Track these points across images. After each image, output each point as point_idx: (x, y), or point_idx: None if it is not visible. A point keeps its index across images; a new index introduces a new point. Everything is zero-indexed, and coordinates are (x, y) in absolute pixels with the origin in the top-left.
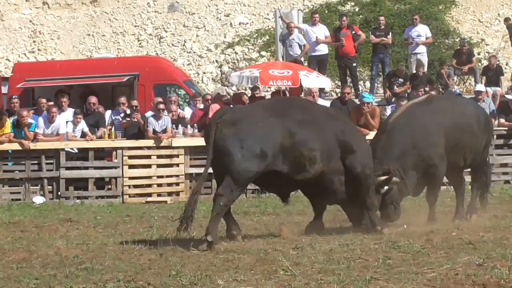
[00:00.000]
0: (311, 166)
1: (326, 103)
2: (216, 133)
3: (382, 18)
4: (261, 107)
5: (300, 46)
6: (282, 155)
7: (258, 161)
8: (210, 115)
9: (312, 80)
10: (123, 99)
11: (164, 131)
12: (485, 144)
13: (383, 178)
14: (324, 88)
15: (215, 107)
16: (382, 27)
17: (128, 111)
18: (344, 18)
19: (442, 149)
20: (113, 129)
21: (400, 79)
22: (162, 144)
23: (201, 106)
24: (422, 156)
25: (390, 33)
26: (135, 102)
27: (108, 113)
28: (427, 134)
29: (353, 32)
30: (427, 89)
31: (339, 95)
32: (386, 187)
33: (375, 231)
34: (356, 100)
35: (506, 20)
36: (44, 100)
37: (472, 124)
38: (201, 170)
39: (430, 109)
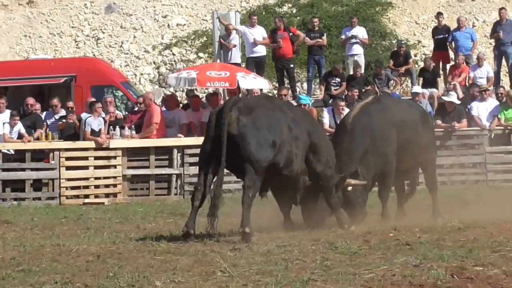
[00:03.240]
0: (296, 163)
1: None
2: (231, 121)
3: (316, 19)
4: (264, 99)
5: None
6: (281, 148)
7: (271, 150)
8: (155, 119)
9: (250, 81)
10: (56, 101)
11: (100, 131)
12: (427, 141)
13: (354, 181)
14: (262, 90)
15: (157, 110)
16: (317, 28)
17: (62, 113)
18: (280, 19)
19: (395, 145)
20: (47, 130)
21: (337, 78)
22: (99, 145)
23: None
24: (380, 154)
25: (325, 35)
26: (70, 103)
27: (42, 115)
28: (382, 131)
29: (291, 33)
30: (363, 90)
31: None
32: (349, 188)
33: (343, 228)
34: (293, 102)
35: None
36: (2, 101)
37: (416, 121)
38: (138, 171)
39: (381, 107)
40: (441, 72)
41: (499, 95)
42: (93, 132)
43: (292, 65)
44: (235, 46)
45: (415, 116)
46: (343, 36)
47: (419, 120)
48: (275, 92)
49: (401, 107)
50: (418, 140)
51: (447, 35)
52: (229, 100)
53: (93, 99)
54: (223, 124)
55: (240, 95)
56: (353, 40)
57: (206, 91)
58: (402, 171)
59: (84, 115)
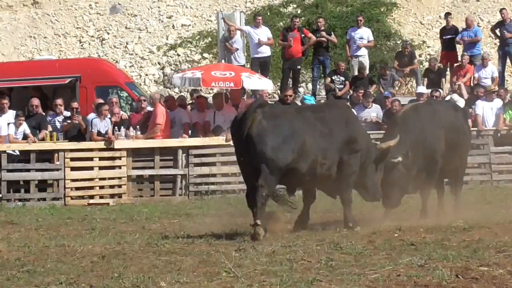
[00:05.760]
0: (321, 171)
1: None
2: (253, 122)
3: (321, 20)
4: (294, 108)
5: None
6: (302, 156)
7: (289, 154)
8: (158, 120)
9: (254, 82)
10: (59, 101)
11: (106, 132)
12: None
13: (385, 144)
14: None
15: (161, 111)
16: (322, 28)
17: (65, 114)
18: (297, 19)
19: (443, 145)
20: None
21: (340, 77)
22: (103, 146)
23: (148, 108)
24: (428, 150)
25: (333, 33)
26: (75, 104)
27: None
28: (432, 129)
29: (303, 35)
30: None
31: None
32: (399, 159)
33: (348, 227)
34: (298, 103)
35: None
36: (6, 101)
37: (464, 123)
38: (143, 172)
39: (431, 108)
40: (448, 72)
41: (500, 95)
42: (99, 133)
43: (299, 67)
44: (237, 49)
45: (462, 119)
46: (348, 37)
47: (465, 123)
48: (279, 92)
49: (450, 111)
50: (464, 142)
51: (455, 36)
52: (254, 102)
53: (101, 101)
54: (245, 124)
55: (245, 95)
56: (358, 42)
57: (210, 91)
58: (446, 171)
59: (90, 116)
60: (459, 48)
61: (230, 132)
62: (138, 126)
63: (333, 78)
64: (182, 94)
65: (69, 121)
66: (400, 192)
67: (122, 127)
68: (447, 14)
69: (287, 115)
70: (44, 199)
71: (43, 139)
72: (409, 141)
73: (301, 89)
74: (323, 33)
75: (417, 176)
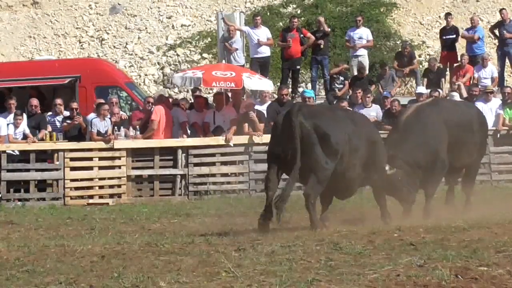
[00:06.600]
0: (352, 173)
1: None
2: (297, 127)
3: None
4: (327, 108)
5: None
6: (342, 158)
7: (335, 159)
8: (153, 116)
9: (255, 82)
10: (59, 101)
11: (106, 132)
12: (480, 142)
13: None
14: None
15: (158, 108)
16: (322, 28)
17: (65, 113)
18: (296, 19)
19: (446, 144)
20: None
21: (340, 77)
22: (103, 146)
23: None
24: (431, 151)
25: (329, 29)
26: (75, 105)
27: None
28: (434, 130)
29: (302, 35)
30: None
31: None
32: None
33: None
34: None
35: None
36: (13, 101)
37: (472, 121)
38: (143, 172)
39: (436, 108)
40: (447, 72)
41: (506, 94)
42: (99, 133)
43: (298, 67)
44: (236, 49)
45: (471, 116)
46: (347, 37)
47: (475, 121)
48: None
49: (457, 108)
50: (474, 140)
51: (455, 36)
52: (295, 105)
53: (101, 101)
54: (294, 127)
55: (245, 96)
56: (357, 42)
57: (210, 91)
58: (457, 168)
59: (90, 116)
60: (460, 48)
61: (230, 131)
62: (138, 126)
63: (333, 77)
64: (182, 94)
65: (69, 121)
66: (408, 187)
67: (122, 127)
68: (447, 15)
69: (327, 114)
70: (44, 199)
71: (42, 139)
72: (408, 149)
73: (300, 89)
74: (321, 19)
75: (422, 176)
